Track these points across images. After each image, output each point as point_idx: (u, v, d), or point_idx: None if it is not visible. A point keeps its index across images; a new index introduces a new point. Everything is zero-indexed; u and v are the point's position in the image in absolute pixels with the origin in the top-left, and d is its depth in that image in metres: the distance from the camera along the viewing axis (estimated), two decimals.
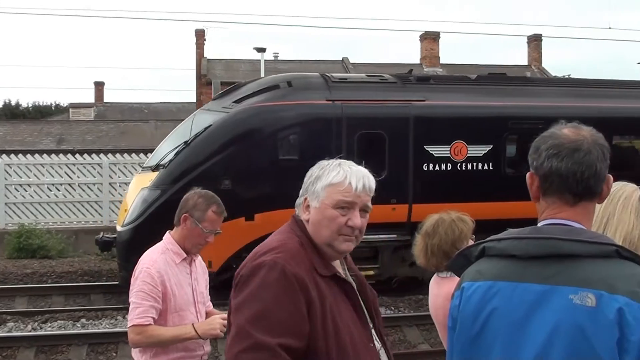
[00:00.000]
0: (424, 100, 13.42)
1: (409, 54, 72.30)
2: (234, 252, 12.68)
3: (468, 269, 2.38)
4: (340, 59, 45.17)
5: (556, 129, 2.31)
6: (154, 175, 13.08)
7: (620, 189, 2.87)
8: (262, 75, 36.99)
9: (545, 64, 46.56)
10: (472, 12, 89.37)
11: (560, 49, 76.54)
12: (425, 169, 13.34)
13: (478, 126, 13.45)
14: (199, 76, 44.52)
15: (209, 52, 46.32)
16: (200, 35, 44.89)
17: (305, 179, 2.94)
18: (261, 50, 36.41)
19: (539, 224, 2.29)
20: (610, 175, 2.29)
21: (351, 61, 44.47)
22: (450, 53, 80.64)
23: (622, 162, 14.68)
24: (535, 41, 44.74)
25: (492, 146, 13.37)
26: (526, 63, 45.07)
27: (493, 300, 2.24)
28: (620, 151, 14.63)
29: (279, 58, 45.86)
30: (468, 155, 13.39)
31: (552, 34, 72.57)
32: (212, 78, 39.25)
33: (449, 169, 13.39)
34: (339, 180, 2.81)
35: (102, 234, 14.44)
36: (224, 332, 4.23)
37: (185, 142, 13.02)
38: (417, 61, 44.82)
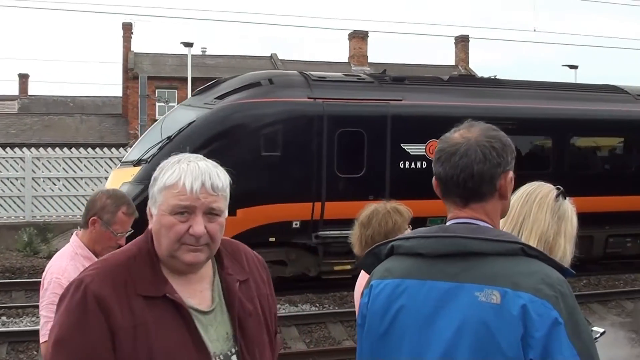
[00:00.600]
0: (401, 100, 13.88)
1: (338, 52, 72.65)
2: None
3: (377, 267, 2.39)
4: (269, 55, 45.32)
5: (449, 132, 2.36)
6: (135, 170, 13.10)
7: (537, 189, 2.91)
8: (189, 70, 36.98)
9: (472, 64, 47.71)
10: (401, 12, 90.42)
11: (487, 50, 78.65)
12: (402, 166, 13.81)
13: (452, 126, 13.87)
14: (126, 70, 44.14)
15: (136, 46, 45.78)
16: (127, 28, 44.41)
17: None
18: (189, 44, 36.36)
19: (447, 223, 2.33)
20: (509, 172, 2.29)
21: (280, 58, 44.68)
22: (379, 52, 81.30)
23: (580, 157, 15.53)
24: (462, 42, 46.02)
25: None
26: (453, 63, 46.26)
27: (401, 298, 2.26)
28: (578, 149, 15.43)
29: (206, 53, 45.74)
30: None
31: (479, 35, 74.31)
32: (139, 72, 38.97)
33: (424, 166, 13.85)
34: (173, 181, 2.36)
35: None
36: None
37: (169, 137, 13.09)
38: (346, 59, 45.35)
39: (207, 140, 12.92)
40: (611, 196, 14.49)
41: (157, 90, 41.98)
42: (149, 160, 13.06)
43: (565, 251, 2.80)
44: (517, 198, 2.84)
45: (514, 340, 2.05)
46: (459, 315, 2.14)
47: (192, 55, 37.63)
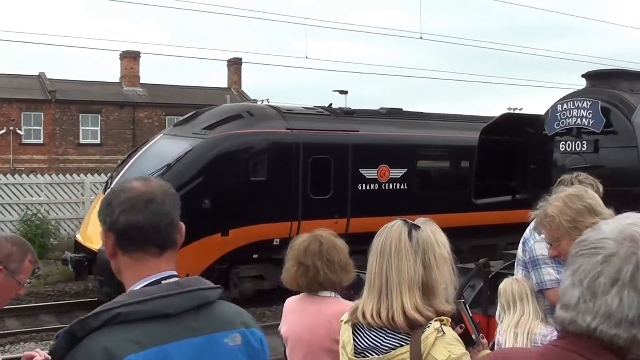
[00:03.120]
0: (358, 131, 15.99)
1: (110, 71, 71.31)
2: (208, 264, 14.20)
3: (117, 343, 2.06)
4: (37, 74, 44.67)
5: (126, 183, 2.31)
6: None
7: (387, 239, 2.87)
8: None
9: (245, 87, 48.97)
10: (172, 34, 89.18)
11: (260, 74, 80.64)
12: (360, 188, 15.93)
13: (397, 153, 16.31)
14: None
15: None
16: None
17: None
18: None
19: (151, 278, 2.23)
20: (182, 224, 2.33)
21: (48, 77, 44.25)
22: (151, 73, 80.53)
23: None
24: (235, 65, 47.01)
25: (406, 169, 16.33)
26: (226, 86, 47.56)
27: None
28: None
29: None
30: (390, 176, 16.20)
31: (252, 59, 76.69)
32: None
33: (376, 188, 16.09)
34: None
35: (66, 253, 14.78)
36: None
37: (168, 165, 14.10)
38: (117, 79, 45.45)
39: (204, 167, 14.15)
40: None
41: None
42: None
43: (444, 279, 2.86)
44: (373, 256, 2.83)
45: None
46: None
47: None
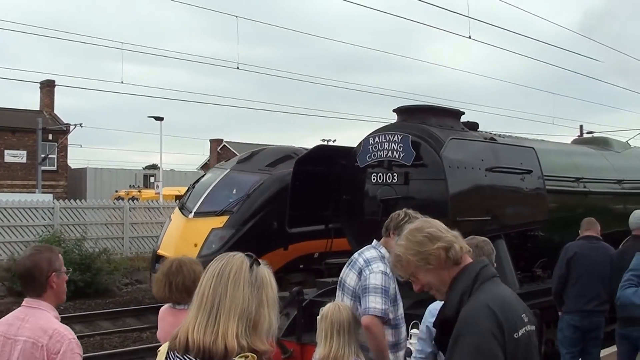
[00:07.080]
0: None
1: None
2: (274, 271, 18.18)
3: None
4: None
5: None
6: (223, 219, 17.70)
7: (227, 265, 2.74)
8: None
9: (59, 110, 48.24)
10: None
11: (74, 97, 78.09)
12: None
13: None
14: None
15: None
16: None
17: None
18: None
19: None
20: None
21: None
22: None
23: None
24: (47, 87, 45.32)
25: None
26: (38, 108, 46.64)
27: None
28: None
29: None
30: None
31: (66, 82, 75.69)
32: None
33: None
34: None
35: (157, 266, 18.06)
36: None
37: (247, 195, 17.94)
38: None
39: (272, 197, 18.08)
40: None
41: None
42: (235, 211, 17.76)
43: (270, 320, 2.75)
44: (208, 278, 2.72)
45: None
46: None
47: None
